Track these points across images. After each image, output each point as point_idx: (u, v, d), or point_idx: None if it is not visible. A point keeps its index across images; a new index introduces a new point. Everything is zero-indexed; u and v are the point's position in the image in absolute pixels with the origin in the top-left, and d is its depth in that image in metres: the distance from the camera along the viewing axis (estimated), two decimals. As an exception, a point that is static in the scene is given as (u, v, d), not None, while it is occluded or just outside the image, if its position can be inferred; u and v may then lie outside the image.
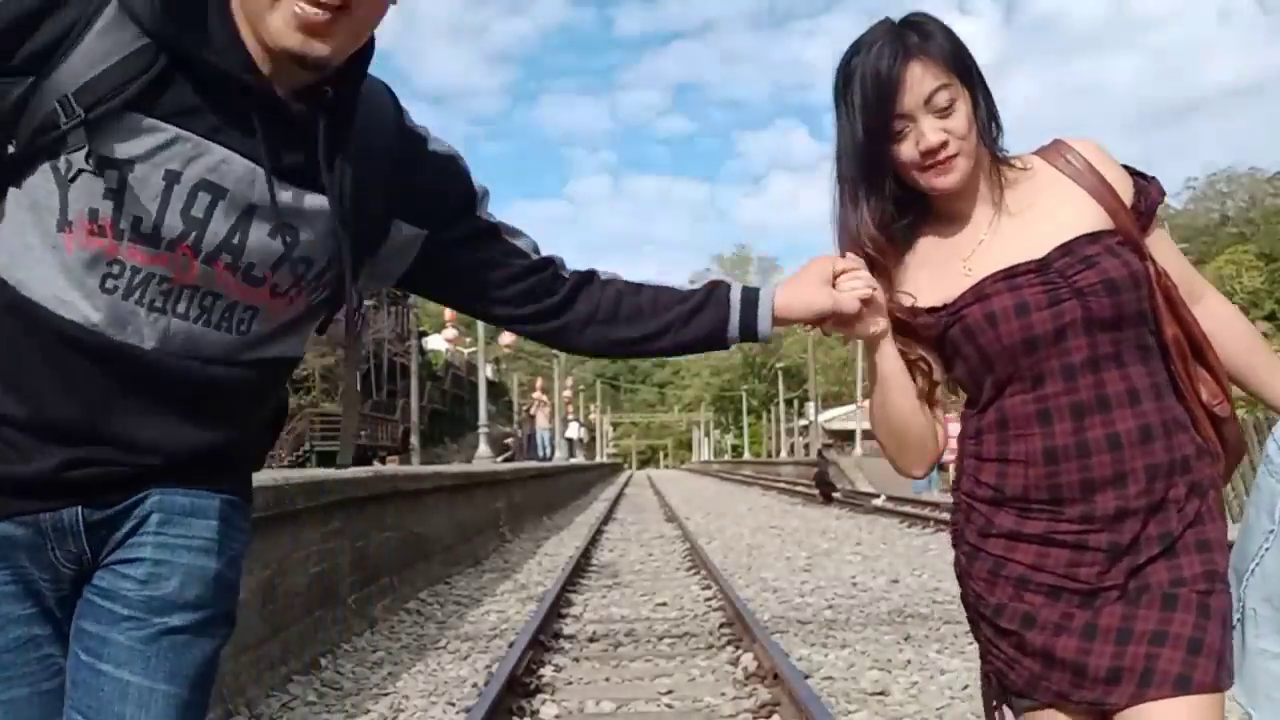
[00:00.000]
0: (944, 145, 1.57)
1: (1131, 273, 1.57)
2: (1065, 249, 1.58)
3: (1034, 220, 1.63)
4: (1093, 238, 1.58)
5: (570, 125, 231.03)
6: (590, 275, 1.62)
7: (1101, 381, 1.56)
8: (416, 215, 1.48)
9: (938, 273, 1.65)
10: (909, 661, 5.58)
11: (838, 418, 58.33)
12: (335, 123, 1.35)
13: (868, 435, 45.21)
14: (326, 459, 31.63)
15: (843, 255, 1.66)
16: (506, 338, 34.09)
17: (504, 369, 60.63)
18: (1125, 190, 1.64)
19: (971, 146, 1.60)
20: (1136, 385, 1.57)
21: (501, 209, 1.61)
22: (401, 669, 5.73)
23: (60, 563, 1.36)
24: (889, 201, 1.64)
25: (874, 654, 5.79)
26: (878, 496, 20.24)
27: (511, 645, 5.88)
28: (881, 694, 4.91)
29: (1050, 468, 1.57)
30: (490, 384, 31.67)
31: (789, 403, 66.84)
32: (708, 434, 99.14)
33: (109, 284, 1.29)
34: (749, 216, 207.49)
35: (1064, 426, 1.56)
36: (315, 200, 1.36)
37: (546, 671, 5.52)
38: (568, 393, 53.17)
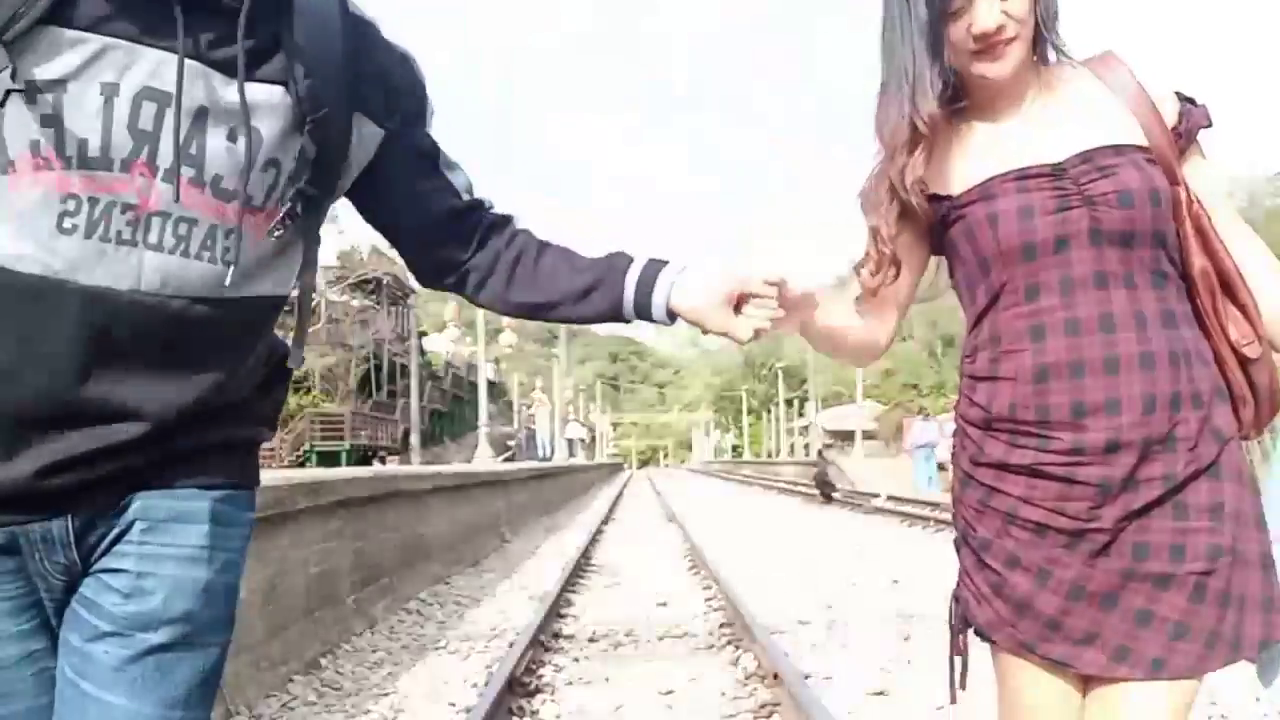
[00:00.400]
0: (1000, 29, 1.47)
1: (1151, 187, 1.48)
2: (1085, 156, 1.50)
3: (1060, 124, 1.54)
4: (1117, 149, 1.50)
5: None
6: (501, 224, 1.52)
7: (1106, 299, 1.47)
8: (374, 110, 1.37)
9: (952, 162, 1.58)
10: (909, 661, 5.57)
11: (838, 418, 58.34)
12: (268, 2, 1.23)
13: (868, 435, 45.26)
14: (326, 459, 31.66)
15: (881, 139, 1.58)
16: (508, 337, 34.08)
17: (504, 369, 60.66)
18: (1168, 109, 1.55)
19: (1029, 33, 1.50)
20: (1145, 310, 1.48)
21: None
22: (401, 669, 5.72)
23: (50, 573, 1.29)
24: (949, 75, 1.53)
25: (874, 654, 5.78)
26: (878, 496, 20.24)
27: (511, 645, 5.87)
28: (881, 694, 4.91)
29: (1039, 385, 1.49)
30: (490, 384, 31.68)
31: (789, 403, 66.86)
32: (708, 434, 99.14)
33: (67, 224, 1.18)
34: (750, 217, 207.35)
35: (1057, 343, 1.48)
36: (270, 92, 1.26)
37: (546, 671, 5.51)
38: (568, 393, 53.16)
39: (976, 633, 1.61)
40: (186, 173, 1.22)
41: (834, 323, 1.68)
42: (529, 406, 45.34)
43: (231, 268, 1.27)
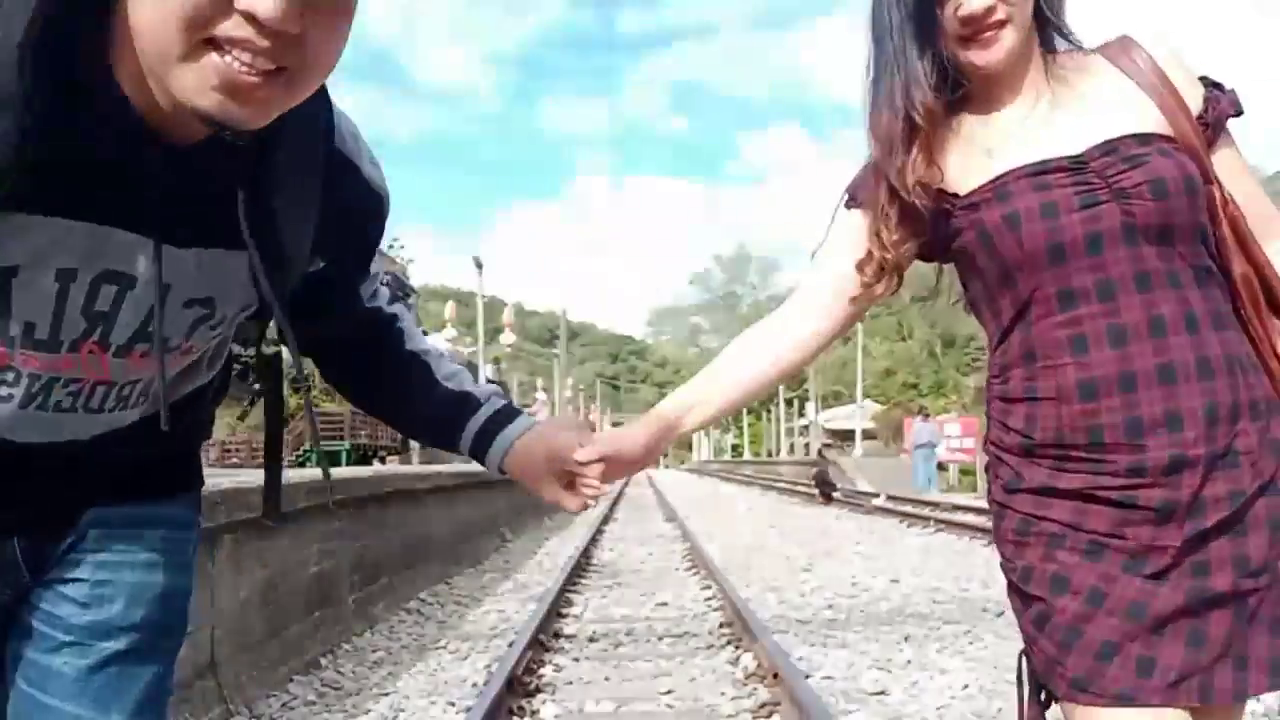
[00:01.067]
0: (990, 12, 1.35)
1: (1186, 174, 1.34)
2: (1107, 147, 1.36)
3: (1077, 114, 1.40)
4: (1142, 139, 1.36)
5: (571, 126, 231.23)
6: (381, 326, 1.48)
7: (1153, 302, 1.32)
8: (329, 251, 1.30)
9: (957, 158, 1.45)
10: (909, 661, 5.57)
11: (838, 418, 58.30)
12: (253, 169, 1.13)
13: (868, 435, 45.29)
14: (326, 459, 31.53)
15: (875, 135, 1.46)
16: (507, 337, 34.09)
17: (504, 369, 60.67)
18: (1193, 96, 1.41)
19: (1025, 18, 1.38)
20: (1195, 310, 1.33)
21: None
22: (401, 669, 5.72)
23: None
24: (944, 62, 1.41)
25: (874, 654, 5.78)
26: (877, 496, 20.24)
27: (511, 645, 5.87)
28: (881, 694, 4.91)
29: (1087, 404, 1.33)
30: (490, 384, 31.61)
31: (789, 402, 66.82)
32: (708, 433, 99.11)
33: (2, 392, 1.13)
34: (748, 216, 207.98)
35: (1102, 355, 1.32)
36: (236, 259, 1.16)
37: (546, 671, 5.51)
38: (568, 392, 53.17)
39: (1039, 686, 1.43)
40: (139, 348, 1.16)
41: (725, 398, 1.61)
42: (529, 406, 45.43)
43: (161, 407, 1.20)
